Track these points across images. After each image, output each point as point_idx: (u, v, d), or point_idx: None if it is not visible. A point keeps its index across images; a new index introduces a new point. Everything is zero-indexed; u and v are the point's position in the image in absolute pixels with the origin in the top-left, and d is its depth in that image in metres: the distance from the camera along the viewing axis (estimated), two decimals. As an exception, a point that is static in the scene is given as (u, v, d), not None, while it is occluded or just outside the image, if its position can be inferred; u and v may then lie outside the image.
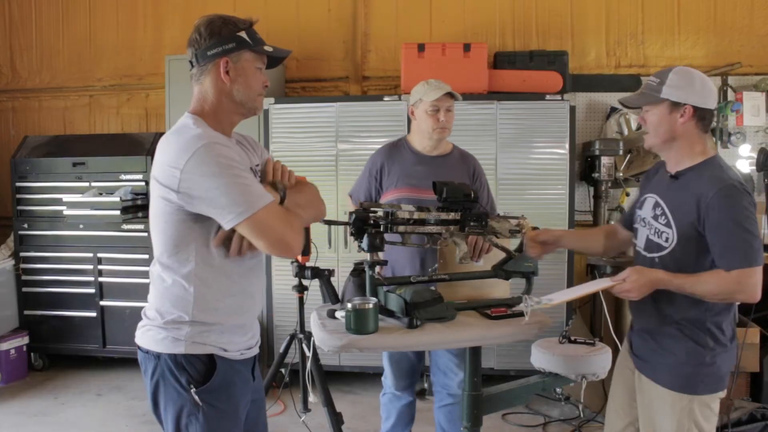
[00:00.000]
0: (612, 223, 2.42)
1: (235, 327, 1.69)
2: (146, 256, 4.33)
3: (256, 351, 1.82)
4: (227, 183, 1.51)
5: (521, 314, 2.23)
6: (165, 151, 1.59)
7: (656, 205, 1.95)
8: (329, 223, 2.63)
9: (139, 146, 4.44)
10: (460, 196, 2.31)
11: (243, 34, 1.64)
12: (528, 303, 1.90)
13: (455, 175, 2.63)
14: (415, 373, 2.84)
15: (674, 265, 1.87)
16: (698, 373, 1.88)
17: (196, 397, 1.61)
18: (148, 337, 1.67)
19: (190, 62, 1.67)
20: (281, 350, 2.98)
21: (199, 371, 1.62)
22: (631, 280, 1.81)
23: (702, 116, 1.88)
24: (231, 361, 1.67)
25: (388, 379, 2.84)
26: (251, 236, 1.55)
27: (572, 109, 3.94)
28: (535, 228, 2.32)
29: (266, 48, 1.67)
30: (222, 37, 1.62)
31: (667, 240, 1.89)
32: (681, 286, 1.82)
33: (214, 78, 1.65)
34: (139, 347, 1.70)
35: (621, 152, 4.03)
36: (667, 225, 1.89)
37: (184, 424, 1.63)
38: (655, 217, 1.93)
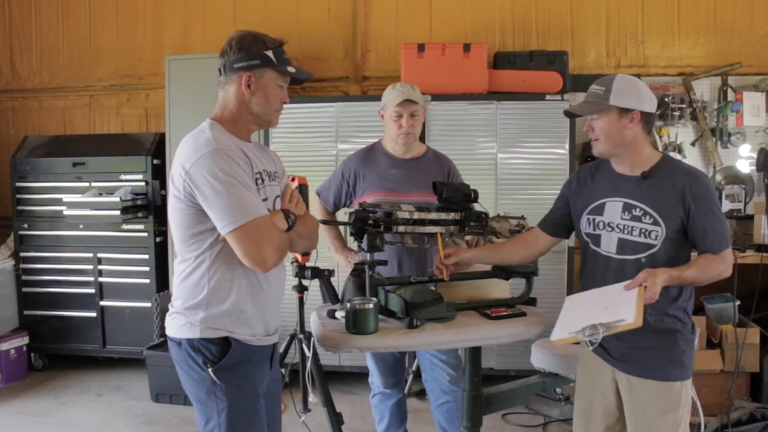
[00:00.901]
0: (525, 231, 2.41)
1: (248, 314, 1.76)
2: (146, 256, 4.34)
3: (275, 339, 1.89)
4: (221, 192, 1.63)
5: (522, 314, 2.24)
6: (179, 152, 1.73)
7: (630, 207, 1.96)
8: (328, 223, 2.65)
9: (139, 146, 4.44)
10: (460, 196, 2.31)
11: (270, 53, 1.78)
12: (596, 331, 1.72)
13: (430, 176, 2.62)
14: (401, 369, 2.86)
15: (665, 259, 1.91)
16: (689, 358, 1.97)
17: (213, 376, 1.71)
18: (172, 325, 1.78)
19: (219, 70, 1.81)
20: (281, 350, 2.98)
21: (214, 352, 1.72)
22: (653, 284, 1.79)
23: (647, 120, 1.97)
24: (245, 344, 1.76)
25: (375, 378, 2.85)
26: (233, 244, 1.66)
27: (572, 109, 3.93)
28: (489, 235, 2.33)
29: (289, 69, 1.82)
30: (249, 53, 1.76)
31: (656, 238, 1.92)
32: (686, 277, 1.87)
33: (236, 89, 1.78)
34: (167, 336, 1.82)
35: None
36: (655, 223, 1.92)
37: (206, 402, 1.74)
38: (636, 219, 1.95)
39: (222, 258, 1.72)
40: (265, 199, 1.76)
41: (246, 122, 1.81)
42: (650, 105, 1.97)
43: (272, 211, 1.77)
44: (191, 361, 1.73)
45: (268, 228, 1.68)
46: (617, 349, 2.01)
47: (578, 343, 2.19)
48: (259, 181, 1.76)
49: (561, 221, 2.19)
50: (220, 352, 1.72)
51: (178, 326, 1.76)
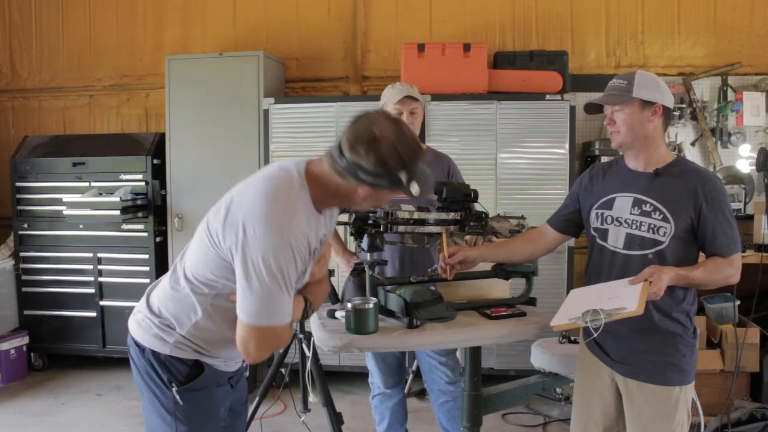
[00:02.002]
0: (531, 228, 2.41)
1: (221, 354, 1.70)
2: (146, 256, 4.34)
3: (239, 366, 1.81)
4: (263, 287, 1.47)
5: (522, 314, 2.24)
6: (251, 195, 1.51)
7: (639, 202, 1.96)
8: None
9: (139, 146, 4.44)
10: (459, 196, 2.31)
11: (403, 174, 1.51)
12: (598, 317, 1.71)
13: (431, 174, 2.62)
14: (402, 369, 2.86)
15: (672, 257, 1.91)
16: (690, 362, 1.96)
17: (177, 396, 1.62)
18: (140, 328, 1.69)
19: (339, 147, 1.51)
20: (281, 350, 2.98)
21: (182, 372, 1.64)
22: (659, 279, 1.79)
23: (666, 115, 1.99)
24: (214, 368, 1.69)
25: (375, 378, 2.85)
26: (239, 330, 1.52)
27: (572, 109, 3.94)
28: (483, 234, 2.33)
29: (414, 191, 1.54)
30: (382, 171, 1.49)
31: (664, 234, 1.92)
32: (693, 278, 1.86)
33: (347, 187, 1.54)
34: (129, 332, 1.72)
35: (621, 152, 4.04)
36: (664, 220, 1.92)
37: (164, 421, 1.65)
38: (645, 214, 1.95)
39: (221, 309, 1.61)
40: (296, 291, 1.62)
41: (334, 203, 1.64)
42: (669, 101, 1.99)
43: (295, 297, 1.61)
44: (154, 374, 1.63)
45: (282, 335, 1.55)
46: (616, 350, 2.01)
47: (570, 339, 2.17)
48: (302, 274, 1.62)
49: (570, 218, 2.19)
50: (188, 373, 1.63)
51: (147, 332, 1.65)
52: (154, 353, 1.64)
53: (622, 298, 1.77)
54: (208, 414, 1.68)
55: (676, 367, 1.94)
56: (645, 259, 1.93)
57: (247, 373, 1.93)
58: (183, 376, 1.63)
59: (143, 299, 1.74)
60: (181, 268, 1.66)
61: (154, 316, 1.67)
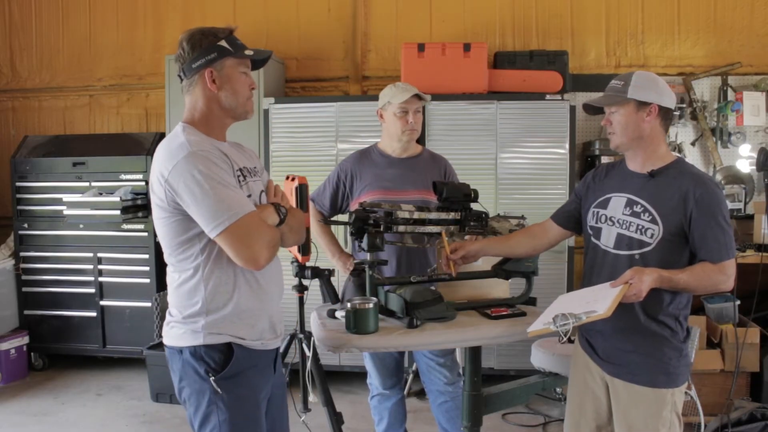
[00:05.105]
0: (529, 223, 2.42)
1: (250, 313, 1.74)
2: (146, 256, 4.34)
3: (278, 344, 1.87)
4: (203, 195, 1.58)
5: (522, 314, 2.24)
6: (156, 159, 1.68)
7: (632, 203, 1.97)
8: (329, 222, 2.64)
9: (139, 146, 4.44)
10: (460, 196, 2.31)
11: (223, 42, 1.72)
12: (567, 321, 1.73)
13: (427, 174, 2.65)
14: (400, 370, 2.86)
15: (659, 260, 1.90)
16: (677, 365, 1.95)
17: (215, 386, 1.68)
18: (171, 334, 1.74)
19: (179, 76, 1.77)
20: (281, 350, 2.97)
21: (217, 361, 1.69)
22: (639, 281, 1.79)
23: (665, 115, 1.98)
24: (249, 349, 1.73)
25: (373, 379, 2.85)
26: (223, 246, 1.63)
27: (572, 109, 3.94)
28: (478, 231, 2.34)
29: (247, 52, 1.76)
30: (203, 49, 1.71)
31: (651, 236, 1.91)
32: (678, 281, 1.85)
33: (202, 88, 1.73)
34: (165, 345, 1.78)
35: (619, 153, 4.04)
36: (653, 221, 1.91)
37: (206, 414, 1.70)
38: (635, 215, 1.95)
39: (215, 261, 1.68)
40: (249, 195, 1.72)
41: (219, 119, 1.77)
42: (668, 100, 1.97)
43: (260, 206, 1.73)
44: (192, 371, 1.69)
45: (257, 225, 1.63)
46: (603, 349, 2.02)
47: (570, 339, 2.17)
48: (241, 178, 1.72)
49: (572, 214, 2.19)
50: (223, 360, 1.69)
51: (177, 335, 1.72)
52: (191, 349, 1.69)
53: (600, 301, 1.78)
54: (247, 401, 1.73)
55: (662, 370, 1.93)
56: (632, 259, 1.94)
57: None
58: (218, 365, 1.69)
59: (167, 314, 1.80)
60: (168, 265, 1.76)
61: (177, 315, 1.73)
